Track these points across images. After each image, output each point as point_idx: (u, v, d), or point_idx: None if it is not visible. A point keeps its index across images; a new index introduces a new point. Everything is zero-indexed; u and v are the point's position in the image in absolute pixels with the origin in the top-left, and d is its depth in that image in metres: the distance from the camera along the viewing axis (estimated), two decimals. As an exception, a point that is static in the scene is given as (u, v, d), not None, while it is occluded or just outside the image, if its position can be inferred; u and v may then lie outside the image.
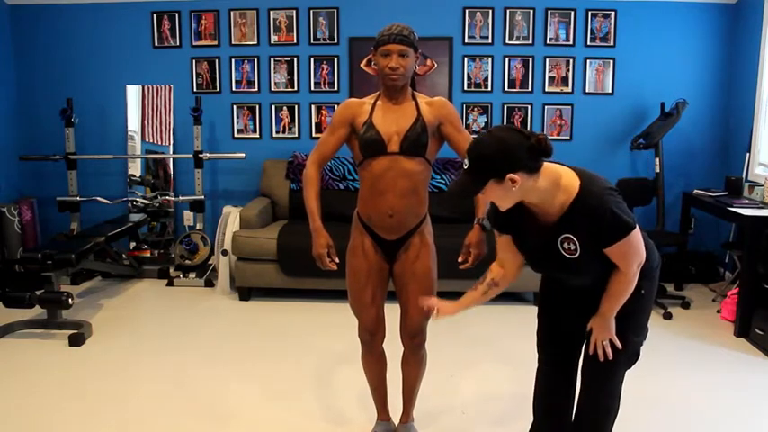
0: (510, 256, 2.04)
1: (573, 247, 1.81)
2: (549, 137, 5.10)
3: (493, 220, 2.01)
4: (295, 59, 5.16)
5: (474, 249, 2.35)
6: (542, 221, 1.85)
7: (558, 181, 1.78)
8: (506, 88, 5.13)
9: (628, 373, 2.03)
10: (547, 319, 2.17)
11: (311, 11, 5.09)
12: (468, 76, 5.14)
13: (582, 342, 2.05)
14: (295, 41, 5.13)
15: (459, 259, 2.40)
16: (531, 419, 2.28)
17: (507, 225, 1.97)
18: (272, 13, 5.11)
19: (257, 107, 5.24)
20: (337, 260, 2.39)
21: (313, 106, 5.23)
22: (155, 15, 5.15)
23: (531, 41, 5.06)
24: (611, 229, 1.75)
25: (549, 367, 2.18)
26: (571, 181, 1.78)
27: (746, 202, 4.20)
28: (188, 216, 5.18)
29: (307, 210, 2.38)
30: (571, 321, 2.01)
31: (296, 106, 5.23)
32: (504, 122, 5.14)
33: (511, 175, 1.70)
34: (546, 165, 1.78)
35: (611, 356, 1.91)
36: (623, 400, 2.05)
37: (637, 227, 1.79)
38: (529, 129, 4.96)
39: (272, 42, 5.15)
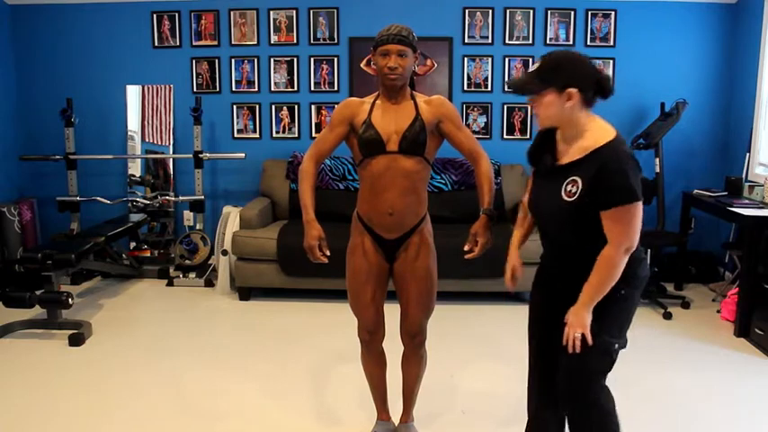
0: None
1: (574, 190, 1.84)
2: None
3: (529, 149, 2.10)
4: (295, 59, 5.16)
5: (480, 238, 2.32)
6: (561, 161, 1.92)
7: (592, 126, 1.86)
8: (506, 88, 5.12)
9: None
10: (534, 310, 2.19)
11: (311, 11, 5.09)
12: (468, 76, 5.14)
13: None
14: (295, 41, 5.13)
15: (466, 248, 2.35)
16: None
17: (535, 154, 2.04)
18: (272, 13, 5.11)
19: (257, 107, 5.24)
20: (328, 253, 2.34)
21: (313, 106, 5.23)
22: (155, 15, 5.15)
23: (531, 41, 5.06)
24: (616, 188, 1.77)
25: (536, 358, 2.18)
26: (605, 132, 1.85)
27: (746, 202, 4.20)
28: (188, 216, 5.18)
29: (300, 203, 2.36)
30: (556, 313, 2.00)
31: (296, 106, 5.23)
32: (505, 123, 5.15)
33: (570, 90, 1.79)
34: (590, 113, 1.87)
35: (578, 350, 1.89)
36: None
37: (640, 203, 1.80)
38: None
39: (272, 42, 5.15)
